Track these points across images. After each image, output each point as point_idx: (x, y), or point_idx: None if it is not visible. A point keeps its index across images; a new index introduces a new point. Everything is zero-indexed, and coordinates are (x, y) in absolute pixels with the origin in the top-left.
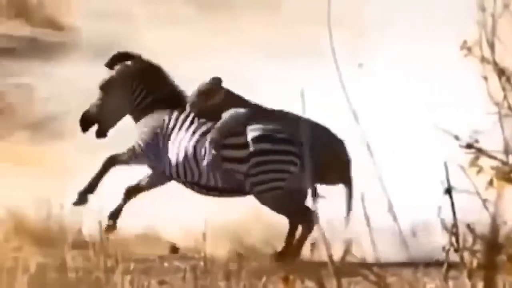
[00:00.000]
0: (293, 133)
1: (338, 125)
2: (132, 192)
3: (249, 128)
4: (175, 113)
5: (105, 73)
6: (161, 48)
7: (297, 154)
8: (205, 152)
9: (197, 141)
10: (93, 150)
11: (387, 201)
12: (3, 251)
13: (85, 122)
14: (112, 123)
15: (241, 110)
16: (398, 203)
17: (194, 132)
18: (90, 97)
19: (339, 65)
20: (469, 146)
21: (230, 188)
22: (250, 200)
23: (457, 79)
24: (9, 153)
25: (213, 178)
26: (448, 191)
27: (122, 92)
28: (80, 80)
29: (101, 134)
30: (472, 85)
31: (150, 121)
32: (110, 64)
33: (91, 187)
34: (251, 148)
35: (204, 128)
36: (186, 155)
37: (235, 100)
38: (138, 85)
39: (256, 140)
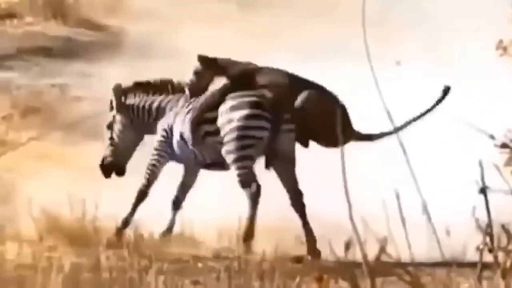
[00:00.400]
0: (277, 97)
1: (372, 124)
2: (178, 202)
3: (227, 98)
4: (170, 97)
5: (143, 72)
6: (199, 48)
7: (268, 118)
8: (188, 132)
9: (183, 122)
10: None
11: (421, 201)
12: (38, 250)
13: (106, 171)
14: (128, 158)
15: (223, 82)
16: (432, 202)
17: (187, 114)
18: None
19: (377, 65)
20: (504, 145)
21: (218, 162)
22: (284, 199)
23: (492, 78)
24: (45, 152)
25: (201, 155)
26: (483, 190)
27: (125, 123)
28: (116, 80)
29: (120, 173)
30: (507, 84)
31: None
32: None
33: (131, 216)
34: (223, 118)
35: (190, 107)
36: (182, 138)
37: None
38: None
39: (227, 109)
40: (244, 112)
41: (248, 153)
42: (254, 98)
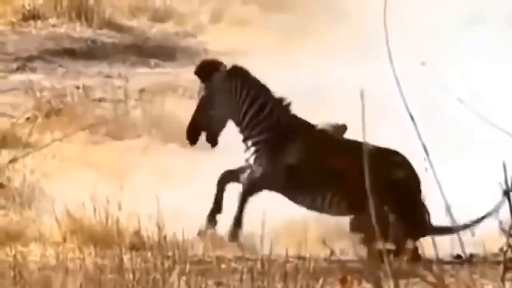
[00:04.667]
0: None
1: (394, 126)
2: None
3: None
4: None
5: (164, 76)
6: (223, 48)
7: None
8: None
9: None
10: (149, 151)
11: (444, 203)
12: (61, 252)
13: (193, 133)
14: (220, 130)
15: None
16: (456, 204)
17: None
18: (149, 98)
19: (400, 65)
20: None
21: None
22: None
23: None
24: (68, 154)
25: None
26: (506, 192)
27: (226, 98)
28: (140, 82)
29: (212, 141)
30: None
31: None
32: (199, 72)
33: (217, 207)
34: None
35: None
36: None
37: None
38: (242, 91)
39: None
40: None
41: None
42: None
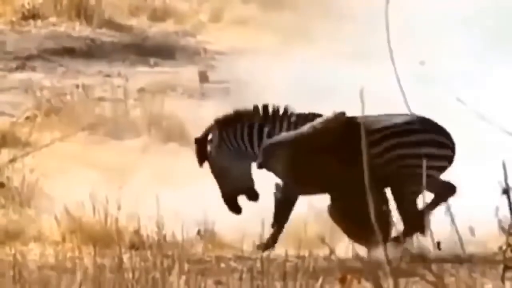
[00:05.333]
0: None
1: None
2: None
3: None
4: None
5: (164, 75)
6: (222, 47)
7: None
8: None
9: None
10: (149, 150)
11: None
12: (61, 251)
13: (232, 203)
14: (250, 183)
15: None
16: (455, 203)
17: None
18: (149, 97)
19: (400, 65)
20: None
21: None
22: (308, 199)
23: None
24: (68, 153)
25: None
26: (506, 191)
27: (230, 154)
28: (140, 81)
29: (254, 197)
30: None
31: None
32: (199, 155)
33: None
34: None
35: None
36: None
37: None
38: (234, 135)
39: None
40: None
41: None
42: None
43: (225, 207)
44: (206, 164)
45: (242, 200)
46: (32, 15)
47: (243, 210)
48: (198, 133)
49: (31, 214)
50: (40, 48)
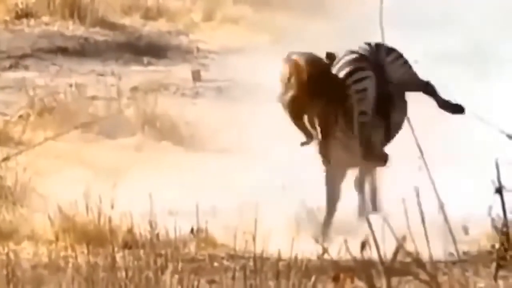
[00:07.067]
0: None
1: None
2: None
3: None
4: None
5: (157, 73)
6: (215, 46)
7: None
8: None
9: None
10: (142, 149)
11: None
12: (54, 249)
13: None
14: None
15: None
16: (448, 202)
17: None
18: (142, 96)
19: None
20: None
21: None
22: (302, 197)
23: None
24: (61, 152)
25: None
26: (499, 190)
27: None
28: (133, 79)
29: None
30: None
31: None
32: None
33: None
34: None
35: None
36: None
37: None
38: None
39: None
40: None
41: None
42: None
43: (219, 205)
44: (196, 164)
45: (239, 200)
46: (26, 14)
47: (241, 210)
48: (191, 132)
49: (24, 213)
50: (34, 47)
